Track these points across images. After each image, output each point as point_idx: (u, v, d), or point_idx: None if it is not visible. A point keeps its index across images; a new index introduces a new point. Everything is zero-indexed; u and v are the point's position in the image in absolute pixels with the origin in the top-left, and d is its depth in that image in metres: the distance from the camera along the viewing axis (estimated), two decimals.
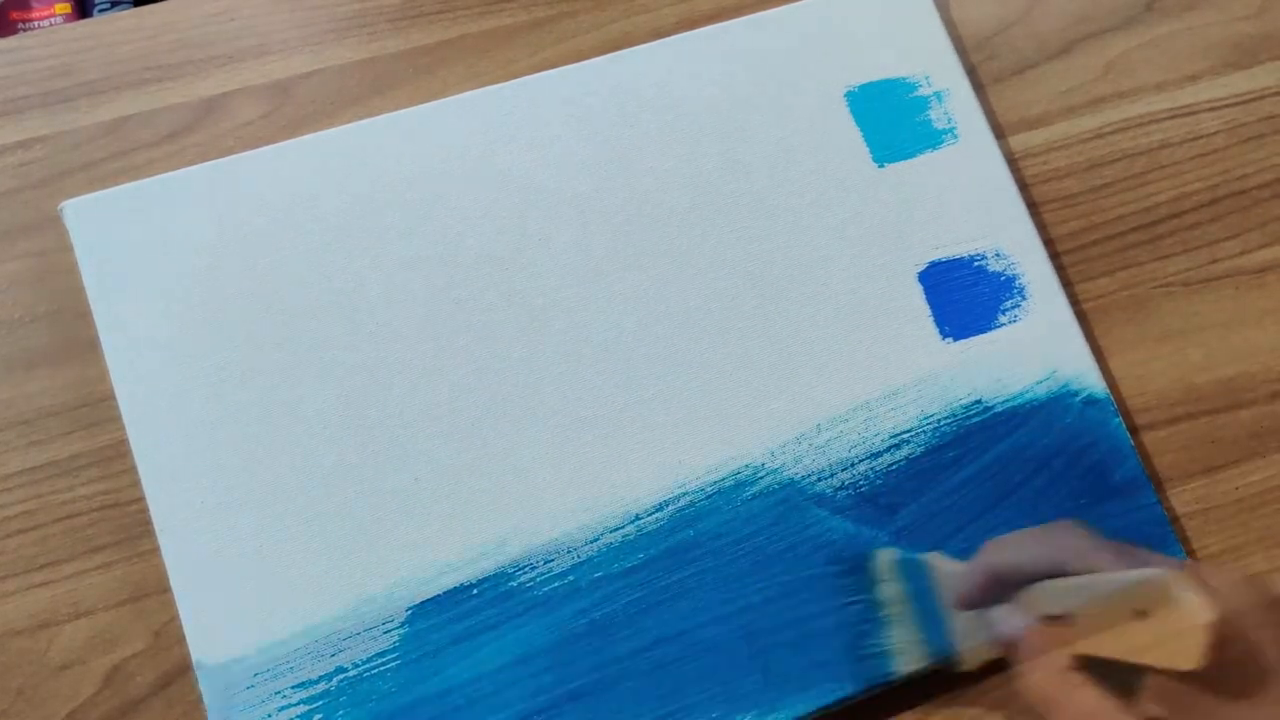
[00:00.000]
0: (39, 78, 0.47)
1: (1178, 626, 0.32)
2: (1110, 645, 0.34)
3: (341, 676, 0.39)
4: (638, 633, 0.41)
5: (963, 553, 0.43)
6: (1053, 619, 0.35)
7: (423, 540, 0.41)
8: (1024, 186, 0.49)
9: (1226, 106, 0.52)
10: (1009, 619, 0.37)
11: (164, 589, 0.41)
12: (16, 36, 0.48)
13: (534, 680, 0.40)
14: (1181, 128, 0.51)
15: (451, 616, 0.40)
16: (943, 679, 0.43)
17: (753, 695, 0.41)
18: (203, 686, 0.39)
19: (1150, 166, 0.51)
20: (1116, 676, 0.33)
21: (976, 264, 0.46)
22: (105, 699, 0.40)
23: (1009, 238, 0.47)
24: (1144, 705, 0.33)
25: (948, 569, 0.40)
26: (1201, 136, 0.51)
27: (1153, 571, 0.33)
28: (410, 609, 0.40)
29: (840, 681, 0.41)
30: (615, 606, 0.41)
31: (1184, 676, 0.32)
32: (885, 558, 0.41)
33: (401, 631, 0.40)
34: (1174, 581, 0.32)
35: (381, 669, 0.39)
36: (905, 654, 0.40)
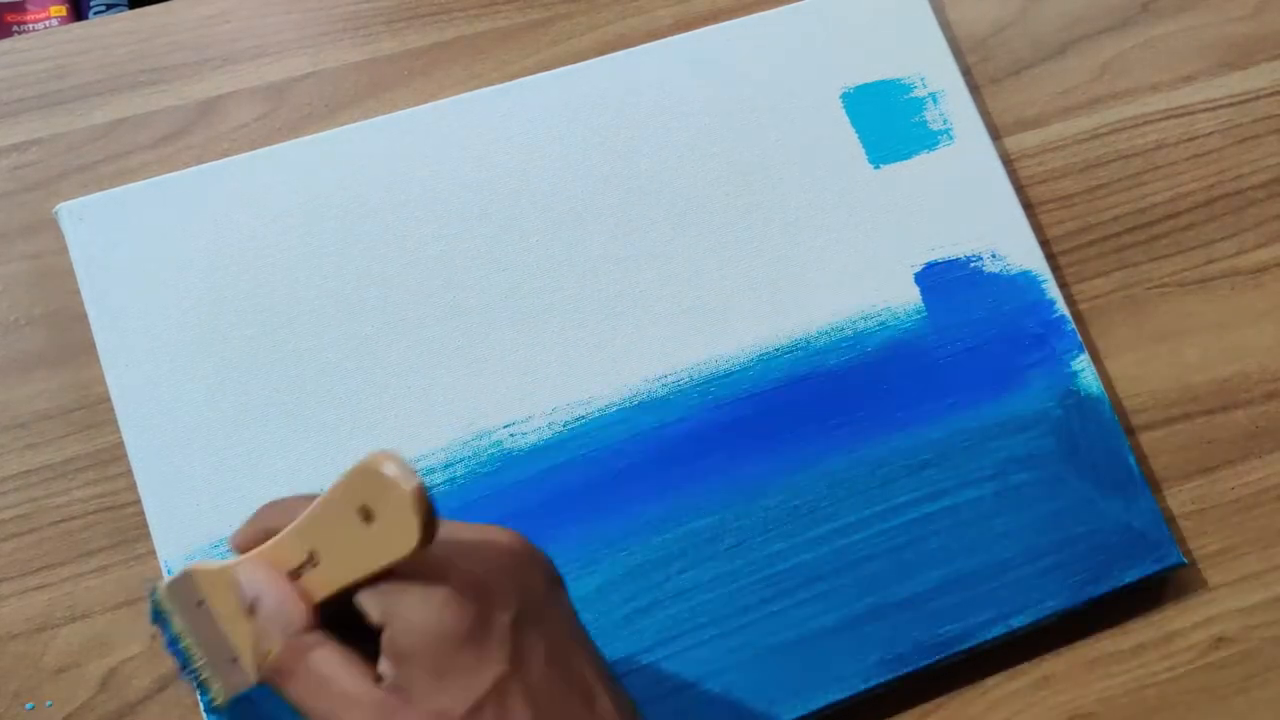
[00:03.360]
0: (34, 80, 0.47)
1: (392, 505, 0.28)
2: (344, 569, 0.30)
3: None
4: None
5: (962, 560, 0.43)
6: (296, 572, 0.31)
7: None
8: (1020, 187, 0.49)
9: (1222, 107, 0.52)
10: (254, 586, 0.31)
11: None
12: (11, 39, 0.48)
13: None
14: (1177, 128, 0.51)
15: None
16: (940, 679, 0.43)
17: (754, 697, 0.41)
18: None
19: (1146, 167, 0.51)
20: (361, 629, 0.30)
21: (973, 265, 0.47)
22: (102, 702, 0.40)
23: (1005, 238, 0.47)
24: (381, 663, 0.29)
25: (211, 566, 0.33)
26: (1197, 137, 0.51)
27: (361, 461, 0.29)
28: None
29: (841, 682, 0.41)
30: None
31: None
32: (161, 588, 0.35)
33: None
34: (376, 458, 0.29)
35: None
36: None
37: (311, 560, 0.31)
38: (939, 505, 0.43)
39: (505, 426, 0.42)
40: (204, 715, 0.39)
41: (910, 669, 0.41)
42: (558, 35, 0.50)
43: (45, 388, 0.43)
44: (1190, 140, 0.51)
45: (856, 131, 0.48)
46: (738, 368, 0.44)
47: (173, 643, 0.34)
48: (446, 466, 0.42)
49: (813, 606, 0.42)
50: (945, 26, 0.50)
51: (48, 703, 0.40)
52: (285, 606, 0.30)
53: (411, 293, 0.43)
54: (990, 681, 0.43)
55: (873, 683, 0.41)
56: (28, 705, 0.40)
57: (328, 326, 0.43)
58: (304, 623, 0.30)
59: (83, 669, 0.40)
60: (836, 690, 0.41)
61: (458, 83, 0.49)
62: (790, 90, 0.48)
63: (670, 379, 0.44)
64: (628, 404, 0.43)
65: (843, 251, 0.46)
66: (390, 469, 0.28)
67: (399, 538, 0.28)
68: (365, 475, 0.29)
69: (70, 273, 0.43)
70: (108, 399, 0.42)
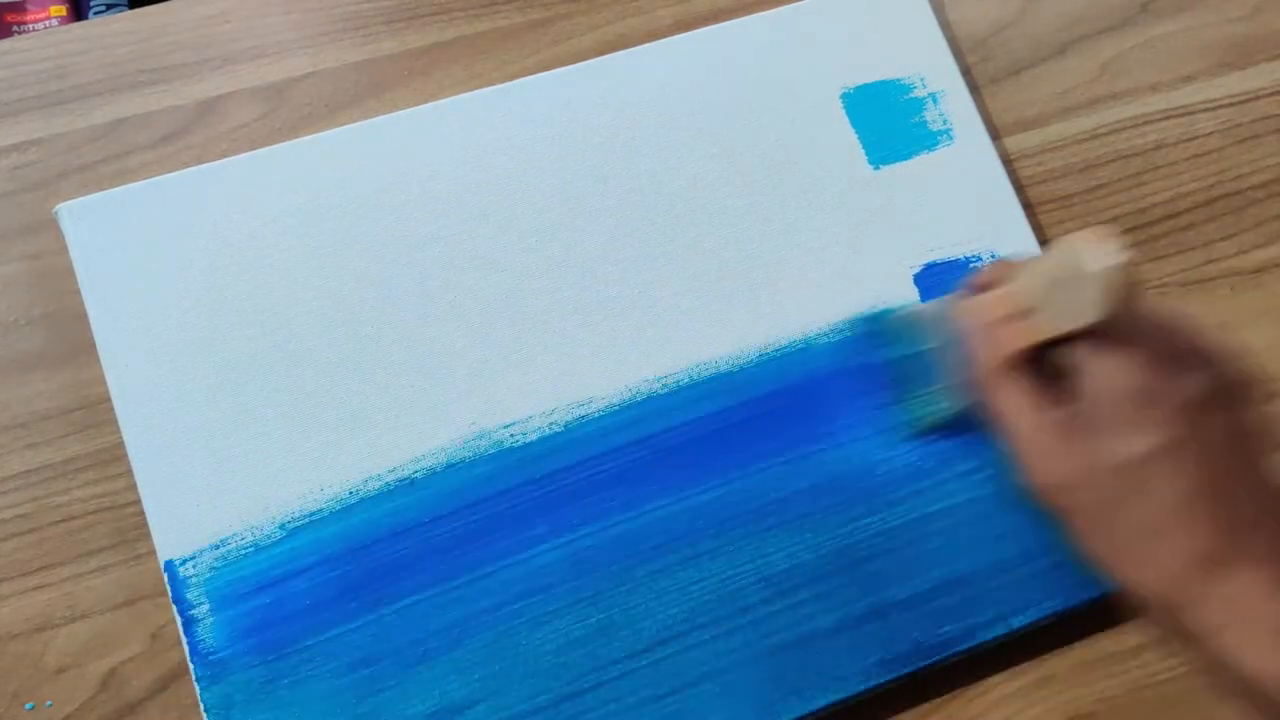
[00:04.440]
0: (34, 80, 0.47)
1: (1086, 280, 0.33)
2: (1052, 324, 0.36)
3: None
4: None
5: (962, 560, 0.43)
6: (1014, 317, 0.37)
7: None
8: (1020, 187, 0.49)
9: (1222, 107, 0.52)
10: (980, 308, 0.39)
11: (161, 592, 0.41)
12: (11, 39, 0.48)
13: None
14: (1177, 128, 0.51)
15: None
16: (940, 679, 0.43)
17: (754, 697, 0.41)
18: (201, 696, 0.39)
19: (1146, 167, 0.51)
20: (1054, 372, 0.36)
21: (973, 265, 0.47)
22: (102, 702, 0.40)
23: (1005, 239, 0.47)
24: (1071, 407, 0.35)
25: (935, 306, 0.42)
26: (1197, 137, 0.51)
27: (1069, 237, 0.35)
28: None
29: (841, 682, 0.41)
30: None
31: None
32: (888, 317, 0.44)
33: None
34: (1078, 237, 0.34)
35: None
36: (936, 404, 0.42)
37: (1028, 312, 0.37)
38: (939, 505, 0.43)
39: (505, 426, 0.42)
40: (204, 715, 0.39)
41: (910, 669, 0.41)
42: (558, 35, 0.50)
43: (45, 388, 0.43)
44: (1190, 140, 0.51)
45: (856, 132, 0.48)
46: (738, 368, 0.44)
47: (893, 360, 0.44)
48: (447, 467, 0.42)
49: (813, 606, 0.42)
50: (945, 26, 0.50)
51: (48, 703, 0.40)
52: (997, 338, 0.37)
53: (411, 293, 0.43)
54: (990, 681, 0.43)
55: (873, 683, 0.41)
56: (28, 705, 0.40)
57: (327, 326, 0.43)
58: (1012, 354, 0.37)
59: (83, 669, 0.40)
60: (836, 690, 0.41)
61: (458, 83, 0.49)
62: (790, 90, 0.48)
63: (670, 379, 0.44)
64: (627, 404, 0.43)
65: (842, 252, 0.46)
66: (1087, 248, 0.33)
67: (1091, 306, 0.34)
68: (1068, 250, 0.34)
69: (70, 273, 0.43)
70: (108, 399, 0.42)
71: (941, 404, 0.42)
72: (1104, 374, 0.34)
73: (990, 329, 0.37)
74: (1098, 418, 0.34)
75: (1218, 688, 0.33)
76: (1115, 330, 0.34)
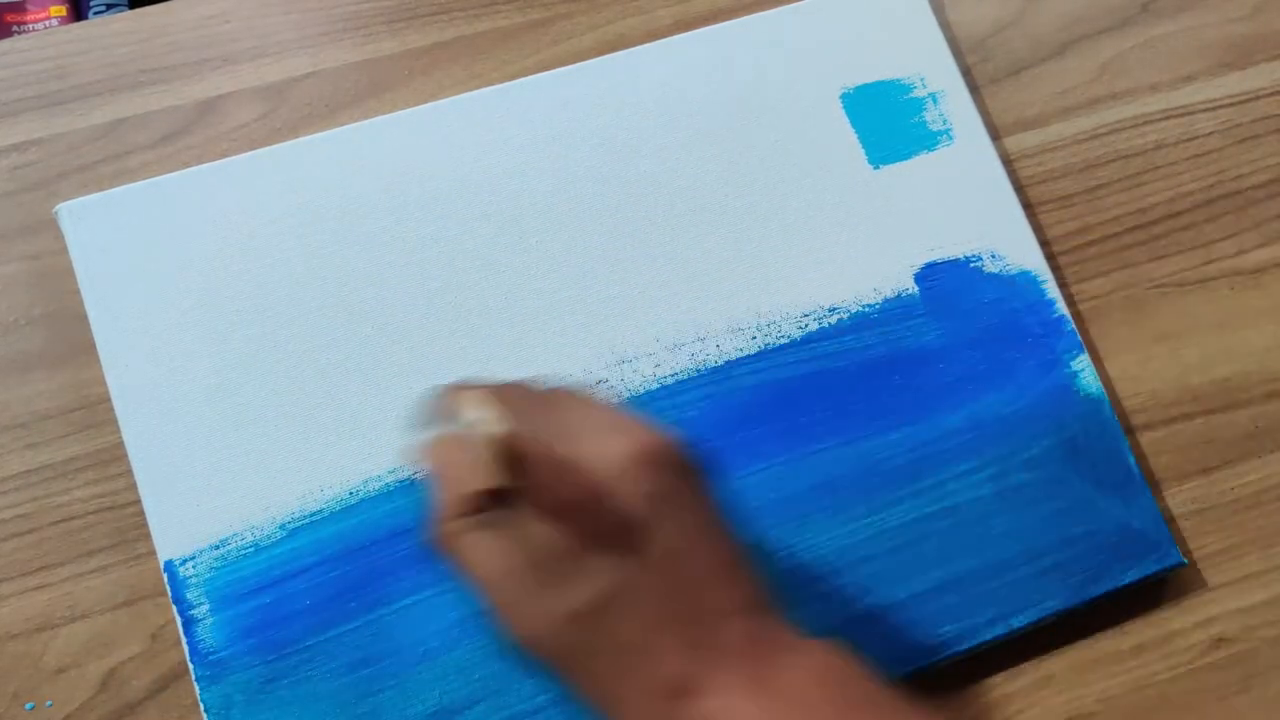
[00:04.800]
0: (34, 80, 0.47)
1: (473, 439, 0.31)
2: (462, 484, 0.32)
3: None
4: None
5: (962, 560, 0.43)
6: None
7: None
8: (1020, 187, 0.49)
9: (1222, 107, 0.52)
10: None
11: (160, 592, 0.41)
12: (11, 39, 0.48)
13: None
14: (1177, 128, 0.51)
15: None
16: (940, 679, 0.43)
17: None
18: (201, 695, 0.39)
19: (1146, 167, 0.51)
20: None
21: (973, 265, 0.47)
22: (102, 702, 0.40)
23: (1005, 239, 0.47)
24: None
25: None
26: (1197, 137, 0.51)
27: (454, 396, 0.32)
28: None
29: None
30: None
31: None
32: None
33: None
34: (462, 399, 0.31)
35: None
36: None
37: None
38: (939, 505, 0.43)
39: None
40: (204, 715, 0.39)
41: (910, 669, 0.41)
42: (558, 35, 0.50)
43: (45, 388, 0.43)
44: (1190, 140, 0.51)
45: (856, 132, 0.48)
46: (738, 367, 0.44)
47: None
48: None
49: (812, 607, 0.42)
50: (945, 27, 0.50)
51: (48, 703, 0.40)
52: (457, 481, 0.33)
53: (411, 293, 0.43)
54: (990, 682, 0.43)
55: None
56: (28, 705, 0.40)
57: (327, 327, 0.43)
58: (469, 498, 0.33)
59: (83, 669, 0.40)
60: None
61: (458, 83, 0.49)
62: (790, 90, 0.48)
63: (670, 378, 0.44)
64: (627, 404, 0.43)
65: (842, 252, 0.46)
66: (470, 413, 0.31)
67: (486, 472, 0.30)
68: (466, 405, 0.31)
69: (70, 273, 0.43)
70: (108, 399, 0.42)
71: None
72: (528, 534, 0.31)
73: (447, 473, 0.33)
74: (541, 570, 0.31)
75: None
76: (531, 485, 0.31)
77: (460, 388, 0.33)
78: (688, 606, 0.32)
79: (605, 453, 0.32)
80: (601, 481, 0.32)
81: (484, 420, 0.30)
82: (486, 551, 0.32)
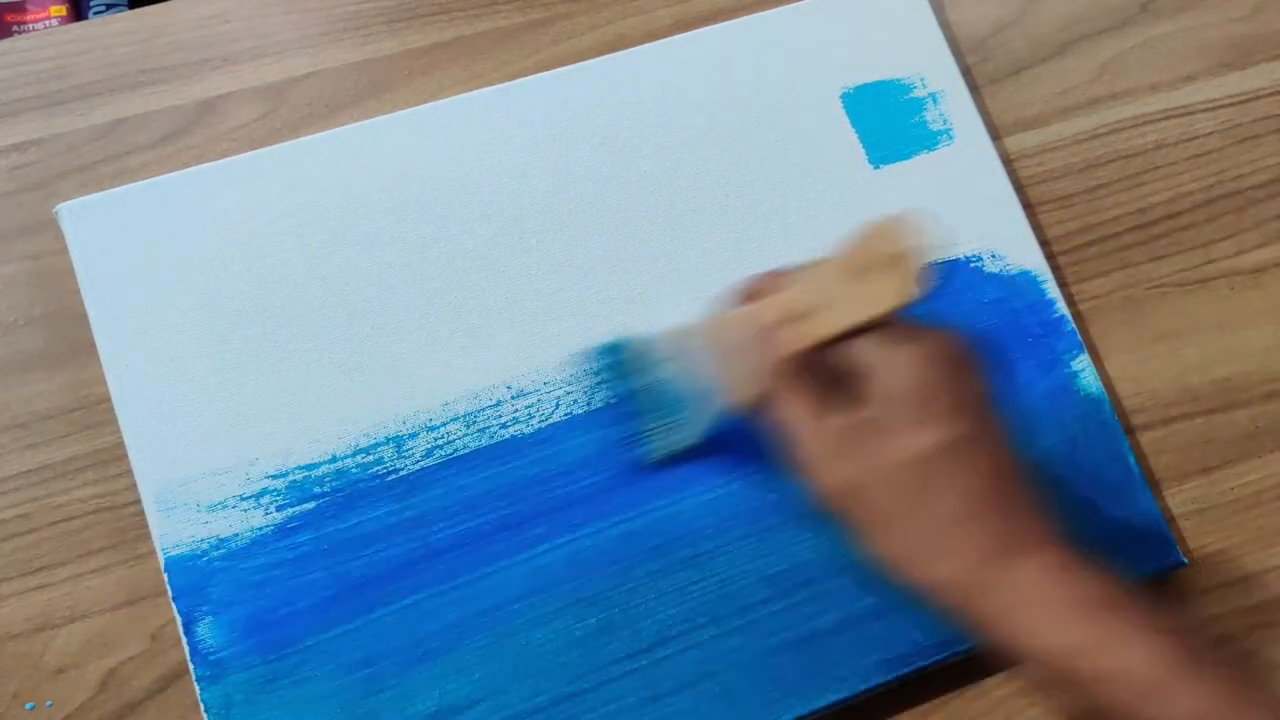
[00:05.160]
0: (34, 80, 0.47)
1: (891, 261, 0.33)
2: (843, 317, 0.35)
3: None
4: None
5: None
6: (781, 325, 0.36)
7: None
8: (1020, 187, 0.49)
9: (1221, 107, 0.52)
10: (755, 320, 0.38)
11: (160, 592, 0.40)
12: (11, 39, 0.48)
13: None
14: (1177, 128, 0.51)
15: None
16: (940, 679, 0.43)
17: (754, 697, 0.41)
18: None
19: (1146, 167, 0.51)
20: (832, 376, 0.35)
21: (973, 265, 0.47)
22: (102, 702, 0.40)
23: (1005, 239, 0.47)
24: (861, 410, 0.34)
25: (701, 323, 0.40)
26: (1197, 137, 0.51)
27: (869, 223, 0.35)
28: None
29: (841, 682, 0.41)
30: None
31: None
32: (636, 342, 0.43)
33: None
34: (884, 223, 0.34)
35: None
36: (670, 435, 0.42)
37: (801, 315, 0.36)
38: None
39: (504, 426, 0.42)
40: (204, 715, 0.39)
41: (910, 669, 0.41)
42: (558, 35, 0.50)
43: (45, 388, 0.43)
44: (1190, 140, 0.51)
45: (856, 132, 0.48)
46: None
47: (623, 398, 0.42)
48: (448, 467, 0.42)
49: (813, 606, 0.42)
50: (945, 26, 0.50)
51: (48, 703, 0.40)
52: (777, 345, 0.36)
53: (411, 293, 0.43)
54: (990, 681, 0.43)
55: (873, 683, 0.41)
56: (28, 705, 0.40)
57: (327, 326, 0.43)
58: (788, 363, 0.36)
59: (83, 669, 0.40)
60: (836, 690, 0.41)
61: (458, 83, 0.49)
62: (790, 90, 0.48)
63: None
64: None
65: None
66: (888, 233, 0.34)
67: (897, 288, 0.33)
68: (872, 236, 0.34)
69: (70, 273, 0.43)
70: (108, 399, 0.42)
71: (684, 432, 0.41)
72: (891, 370, 0.34)
73: (765, 336, 0.36)
74: (886, 415, 0.34)
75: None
76: (898, 328, 0.34)
77: (776, 275, 0.38)
78: (1010, 480, 0.34)
79: (953, 339, 0.35)
80: (966, 349, 0.35)
81: (908, 232, 0.33)
82: (808, 401, 0.35)
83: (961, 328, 0.35)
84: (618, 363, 0.43)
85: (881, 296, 0.34)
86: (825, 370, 0.36)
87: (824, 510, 0.36)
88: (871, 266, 0.34)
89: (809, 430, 0.35)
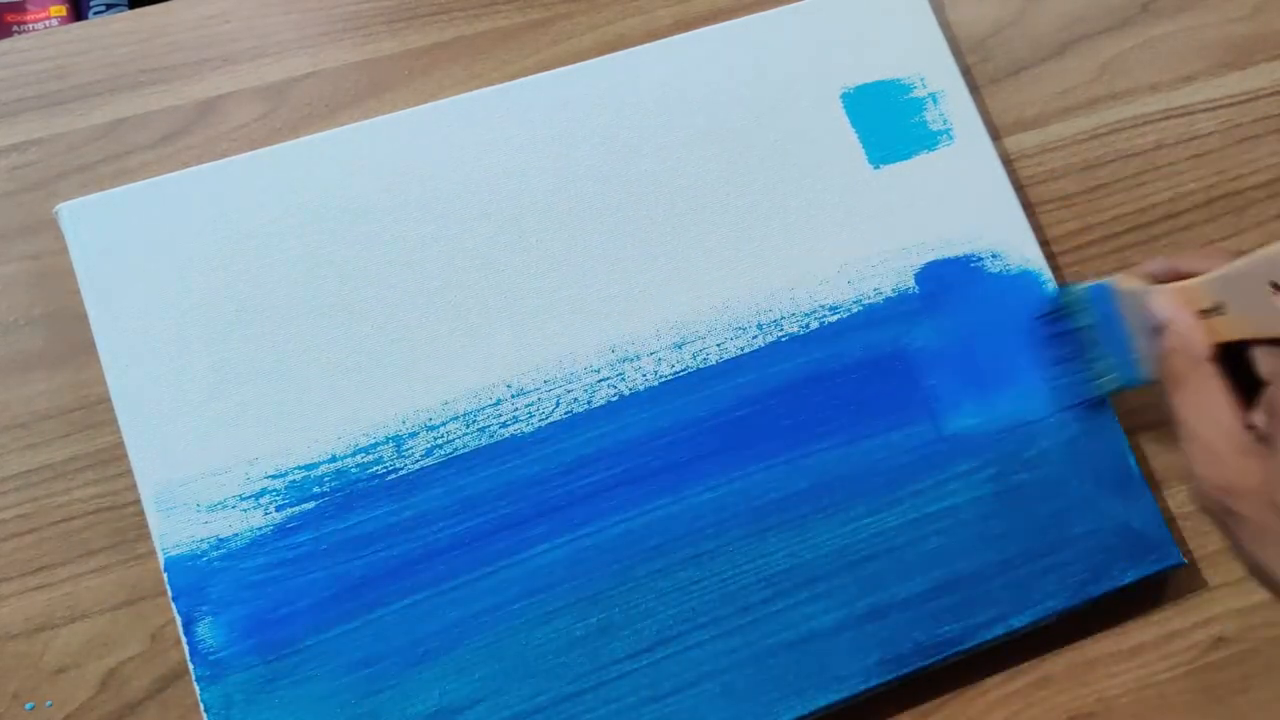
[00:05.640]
0: (34, 80, 0.47)
1: None
2: (1248, 325, 0.35)
3: None
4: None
5: (962, 560, 0.43)
6: (1202, 313, 0.37)
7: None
8: (1020, 187, 0.49)
9: (1222, 107, 0.52)
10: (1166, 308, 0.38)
11: (160, 592, 0.41)
12: (11, 39, 0.48)
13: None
14: (1177, 128, 0.51)
15: None
16: (940, 679, 0.43)
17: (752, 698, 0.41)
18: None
19: (1146, 167, 0.51)
20: (1248, 377, 0.36)
21: (973, 265, 0.47)
22: (102, 702, 0.40)
23: (1005, 239, 0.47)
24: (1255, 413, 0.34)
25: (1131, 286, 0.41)
26: (1197, 137, 0.51)
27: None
28: None
29: (841, 682, 0.41)
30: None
31: None
32: (1075, 290, 0.44)
33: None
34: None
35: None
36: (1102, 377, 0.43)
37: (1218, 309, 0.36)
38: (939, 505, 0.43)
39: (504, 426, 0.43)
40: (204, 715, 0.39)
41: (910, 669, 0.41)
42: (558, 35, 0.50)
43: (45, 388, 0.43)
44: (1190, 140, 0.51)
45: (856, 131, 0.48)
46: (738, 367, 0.44)
47: (1071, 332, 0.44)
48: (447, 467, 0.42)
49: (813, 606, 0.42)
50: (945, 26, 0.50)
51: (48, 703, 0.40)
52: (1192, 334, 0.37)
53: (411, 293, 0.44)
54: (990, 681, 0.43)
55: (873, 683, 0.41)
56: (28, 705, 0.40)
57: (327, 326, 0.43)
58: (1204, 352, 0.36)
59: (83, 669, 0.40)
60: (836, 690, 0.41)
61: (458, 83, 0.49)
62: (790, 90, 0.48)
63: (671, 377, 0.44)
64: (627, 404, 0.43)
65: (843, 251, 0.46)
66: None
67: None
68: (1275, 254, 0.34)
69: (70, 273, 0.43)
70: (108, 399, 0.42)
71: (1117, 376, 0.43)
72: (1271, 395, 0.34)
73: (1183, 321, 0.37)
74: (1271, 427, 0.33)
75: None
76: None
77: (1223, 251, 0.37)
78: None
79: None
80: None
81: None
82: (1217, 396, 0.35)
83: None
84: (1067, 303, 0.44)
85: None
86: (1229, 368, 0.36)
87: (1201, 508, 0.35)
88: None
89: (1208, 424, 0.35)
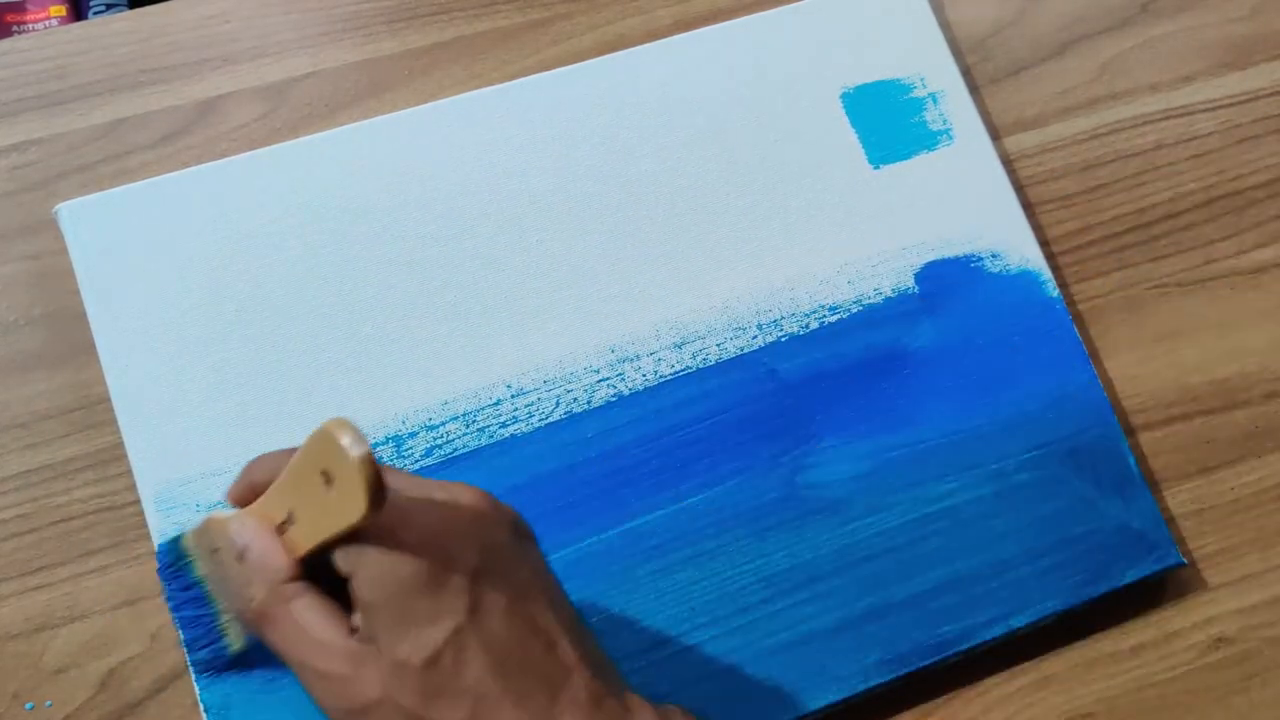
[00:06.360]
0: (34, 80, 0.47)
1: (344, 471, 0.29)
2: (314, 529, 0.31)
3: None
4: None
5: (962, 560, 0.43)
6: (282, 527, 0.32)
7: None
8: (1020, 187, 0.49)
9: (1221, 107, 0.52)
10: (243, 532, 0.33)
11: (160, 592, 0.40)
12: (11, 39, 0.48)
13: None
14: (1177, 129, 0.51)
15: None
16: (940, 679, 0.43)
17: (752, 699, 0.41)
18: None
19: (1146, 167, 0.51)
20: (335, 580, 0.32)
21: (973, 265, 0.47)
22: (101, 703, 0.40)
23: (1005, 239, 0.47)
24: (355, 616, 0.31)
25: (219, 517, 0.35)
26: (1197, 137, 0.51)
27: (318, 428, 0.30)
28: None
29: (841, 682, 0.41)
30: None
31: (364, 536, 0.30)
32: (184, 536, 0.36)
33: None
34: (330, 426, 0.30)
35: None
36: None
37: (291, 519, 0.32)
38: (939, 505, 0.43)
39: (504, 426, 0.43)
40: (203, 716, 0.39)
41: (910, 669, 0.41)
42: (558, 35, 0.50)
43: (45, 388, 0.43)
44: (1190, 140, 0.51)
45: (856, 131, 0.48)
46: (738, 366, 0.44)
47: (190, 587, 0.35)
48: (447, 467, 0.42)
49: (812, 606, 0.42)
50: (945, 27, 0.50)
51: (47, 703, 0.40)
52: (269, 558, 0.32)
53: (411, 293, 0.44)
54: (990, 681, 0.43)
55: (873, 683, 0.41)
56: (27, 705, 0.40)
57: (327, 326, 0.43)
58: (286, 574, 0.32)
59: (82, 669, 0.40)
60: (836, 690, 0.41)
61: (458, 83, 0.49)
62: (790, 90, 0.48)
63: (671, 377, 0.44)
64: (628, 403, 0.43)
65: (843, 251, 0.46)
66: (343, 437, 0.29)
67: (352, 503, 0.29)
68: (321, 441, 0.30)
69: (70, 273, 0.43)
70: (108, 399, 0.42)
71: (230, 636, 0.35)
72: (375, 577, 0.30)
73: (258, 544, 0.32)
74: (386, 620, 0.30)
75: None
76: (376, 525, 0.30)
77: (278, 456, 0.33)
78: (531, 658, 0.31)
79: (459, 499, 0.32)
80: (455, 526, 0.31)
81: (349, 442, 0.29)
82: (311, 615, 0.31)
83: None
84: (180, 554, 0.35)
85: (343, 511, 0.30)
86: (327, 582, 0.32)
87: None
88: (331, 472, 0.30)
89: (309, 653, 0.31)
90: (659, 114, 0.47)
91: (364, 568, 0.31)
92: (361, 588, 0.31)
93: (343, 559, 0.31)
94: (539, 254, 0.45)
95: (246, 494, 0.34)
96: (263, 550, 0.32)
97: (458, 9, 0.50)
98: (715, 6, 0.51)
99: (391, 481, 0.31)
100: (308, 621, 0.31)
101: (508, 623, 0.31)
